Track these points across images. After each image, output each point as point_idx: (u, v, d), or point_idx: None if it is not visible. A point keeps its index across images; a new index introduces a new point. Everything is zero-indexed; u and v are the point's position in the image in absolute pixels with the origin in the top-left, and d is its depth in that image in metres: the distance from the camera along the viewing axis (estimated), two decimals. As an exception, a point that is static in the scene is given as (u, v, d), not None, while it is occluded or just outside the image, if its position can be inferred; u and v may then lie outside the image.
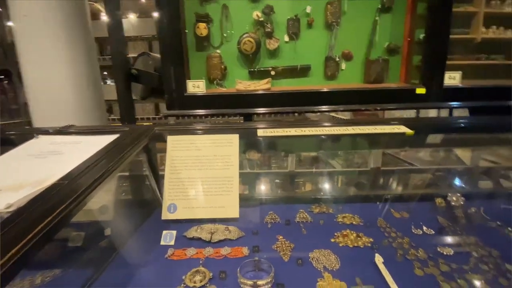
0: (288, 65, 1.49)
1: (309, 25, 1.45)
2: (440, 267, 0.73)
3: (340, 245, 0.84)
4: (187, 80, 1.32)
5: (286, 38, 1.47)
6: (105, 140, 0.76)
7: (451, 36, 1.36)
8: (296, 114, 1.54)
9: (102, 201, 0.90)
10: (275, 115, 1.78)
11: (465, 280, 0.68)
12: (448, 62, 1.33)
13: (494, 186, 1.56)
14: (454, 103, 1.35)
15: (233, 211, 0.94)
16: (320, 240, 0.87)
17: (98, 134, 0.89)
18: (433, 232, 0.94)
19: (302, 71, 1.50)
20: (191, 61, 1.48)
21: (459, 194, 1.22)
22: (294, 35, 1.45)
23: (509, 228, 0.98)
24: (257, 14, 1.41)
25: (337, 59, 1.48)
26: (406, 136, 1.16)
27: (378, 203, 1.16)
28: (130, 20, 7.15)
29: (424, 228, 0.97)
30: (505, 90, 1.35)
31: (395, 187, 1.40)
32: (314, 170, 2.04)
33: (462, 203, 1.13)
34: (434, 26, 1.22)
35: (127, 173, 1.13)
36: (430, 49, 1.25)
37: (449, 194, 1.22)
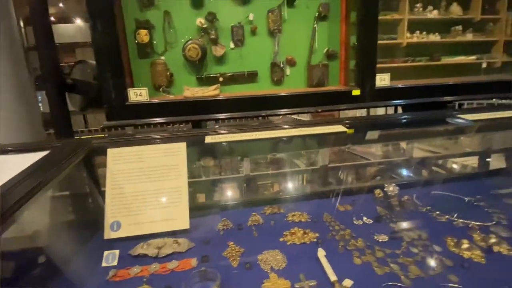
0: (236, 71, 1.51)
1: (253, 32, 1.49)
2: (376, 254, 0.80)
3: (288, 243, 0.88)
4: (129, 89, 1.26)
5: (232, 45, 1.49)
6: (30, 159, 0.69)
7: (380, 42, 1.50)
8: (259, 118, 1.56)
9: (34, 226, 0.81)
10: (235, 120, 1.77)
11: (397, 264, 0.75)
12: (379, 66, 1.46)
13: (428, 174, 1.74)
14: (397, 102, 1.49)
15: (183, 223, 0.92)
16: (270, 241, 0.89)
17: (23, 152, 0.80)
18: (371, 222, 1.02)
19: (250, 77, 1.53)
20: (134, 68, 1.42)
21: (394, 184, 1.34)
22: (239, 42, 1.47)
23: (437, 212, 1.11)
24: (200, 21, 1.40)
25: (282, 65, 1.54)
26: (347, 133, 1.25)
27: (325, 198, 1.24)
28: (78, 25, 6.59)
29: (364, 218, 1.05)
30: (431, 88, 1.53)
31: (342, 182, 1.50)
32: (270, 172, 2.09)
33: (397, 192, 1.24)
34: (364, 33, 1.34)
35: (65, 193, 1.05)
36: (361, 54, 1.36)
37: (386, 185, 1.33)
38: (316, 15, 1.51)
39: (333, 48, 1.57)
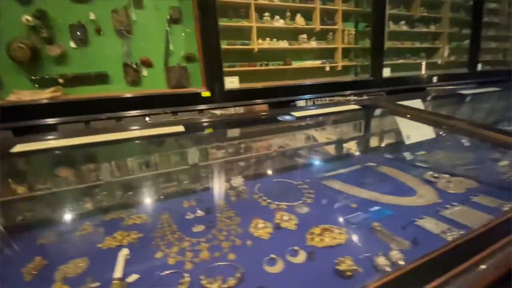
0: (81, 72, 1.43)
1: (98, 32, 1.44)
2: (182, 245, 0.89)
3: (104, 248, 0.89)
4: None
5: (73, 44, 1.40)
6: None
7: (234, 47, 1.64)
8: (110, 119, 1.49)
9: None
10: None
11: (192, 252, 0.85)
12: (232, 69, 1.60)
13: (273, 168, 1.98)
14: (245, 102, 1.65)
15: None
16: (86, 248, 0.89)
17: None
18: (203, 214, 1.12)
19: (100, 78, 1.48)
20: None
21: (241, 177, 1.48)
22: (81, 41, 1.40)
23: (264, 198, 1.28)
24: (26, 18, 1.28)
25: (135, 66, 1.53)
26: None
27: (174, 198, 1.30)
28: None
29: (198, 211, 1.15)
30: (279, 89, 1.75)
31: (192, 180, 1.58)
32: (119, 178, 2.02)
33: (242, 184, 1.39)
34: (207, 38, 1.45)
35: None
36: (208, 58, 1.47)
37: (232, 178, 1.47)
38: (168, 18, 1.56)
39: (191, 51, 1.64)
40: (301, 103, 1.98)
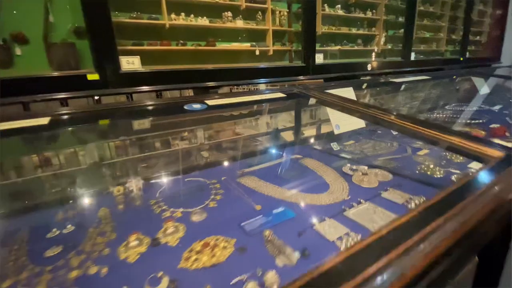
0: None
1: None
2: (20, 276, 0.68)
3: None
4: None
5: None
6: None
7: (139, 21, 1.40)
8: None
9: None
10: None
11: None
12: (133, 48, 1.36)
13: (187, 165, 1.81)
14: (147, 87, 1.42)
15: None
16: None
17: None
18: (72, 229, 0.92)
19: None
20: None
21: (140, 179, 1.28)
22: None
23: (163, 203, 1.11)
24: None
25: (2, 43, 1.22)
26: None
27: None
28: None
29: (68, 226, 0.94)
30: (199, 73, 1.56)
31: (74, 185, 1.35)
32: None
33: (140, 187, 1.19)
34: (94, 9, 1.19)
35: None
36: (95, 34, 1.22)
37: (129, 181, 1.26)
38: (44, -20, 1.26)
39: (82, 24, 1.36)
40: (225, 89, 1.82)
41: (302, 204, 1.07)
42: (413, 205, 1.01)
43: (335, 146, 1.84)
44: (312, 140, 1.93)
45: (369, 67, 2.40)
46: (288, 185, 1.25)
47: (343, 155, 1.70)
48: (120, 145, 1.45)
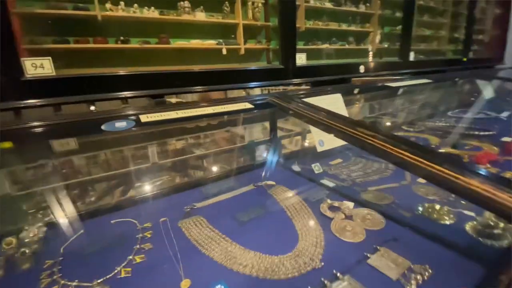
0: None
1: None
2: None
3: None
4: None
5: None
6: None
7: (63, 12, 1.08)
8: None
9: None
10: None
11: None
12: (48, 46, 1.04)
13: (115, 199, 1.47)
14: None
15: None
16: None
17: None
18: None
19: None
20: None
21: (42, 225, 0.97)
22: None
23: (59, 269, 0.79)
24: None
25: None
26: None
27: None
28: None
29: None
30: (141, 78, 1.24)
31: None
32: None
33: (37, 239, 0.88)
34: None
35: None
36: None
37: (26, 228, 0.95)
38: None
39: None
40: (189, 97, 1.49)
41: (254, 275, 0.75)
42: (413, 283, 0.70)
43: (316, 168, 1.52)
44: (289, 160, 1.61)
45: (361, 69, 2.10)
46: (242, 236, 0.93)
47: (325, 181, 1.38)
48: (22, 173, 1.12)
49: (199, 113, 1.16)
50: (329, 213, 1.06)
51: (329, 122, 1.12)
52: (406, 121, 2.50)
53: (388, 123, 2.67)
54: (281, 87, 1.75)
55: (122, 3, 1.30)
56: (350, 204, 1.12)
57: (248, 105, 1.35)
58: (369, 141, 0.96)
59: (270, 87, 1.71)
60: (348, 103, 1.77)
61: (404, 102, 2.91)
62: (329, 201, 1.16)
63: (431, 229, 0.90)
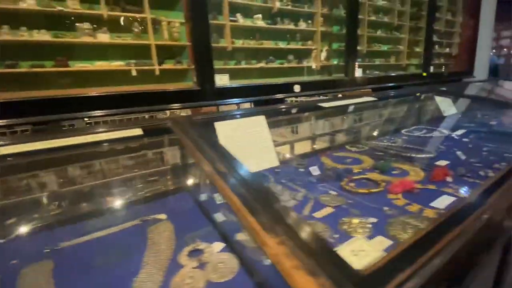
0: None
1: None
2: None
3: None
4: None
5: None
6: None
7: None
8: None
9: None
10: None
11: None
12: None
13: None
14: None
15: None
16: None
17: None
18: None
19: None
20: None
21: None
22: None
23: None
24: None
25: None
26: None
27: None
28: None
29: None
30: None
31: None
32: None
33: None
34: None
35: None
36: None
37: None
38: None
39: None
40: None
41: None
42: None
43: (219, 198, 1.46)
44: (198, 189, 1.54)
45: (296, 88, 2.06)
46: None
47: (219, 214, 1.31)
48: None
49: (70, 143, 1.09)
50: (183, 260, 0.98)
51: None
52: (350, 140, 2.45)
53: (330, 143, 2.61)
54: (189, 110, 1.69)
55: (5, 26, 1.25)
56: (218, 247, 1.05)
57: (138, 132, 1.27)
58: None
59: (180, 109, 1.66)
60: (282, 125, 1.72)
61: (355, 120, 2.88)
62: (198, 242, 1.08)
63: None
